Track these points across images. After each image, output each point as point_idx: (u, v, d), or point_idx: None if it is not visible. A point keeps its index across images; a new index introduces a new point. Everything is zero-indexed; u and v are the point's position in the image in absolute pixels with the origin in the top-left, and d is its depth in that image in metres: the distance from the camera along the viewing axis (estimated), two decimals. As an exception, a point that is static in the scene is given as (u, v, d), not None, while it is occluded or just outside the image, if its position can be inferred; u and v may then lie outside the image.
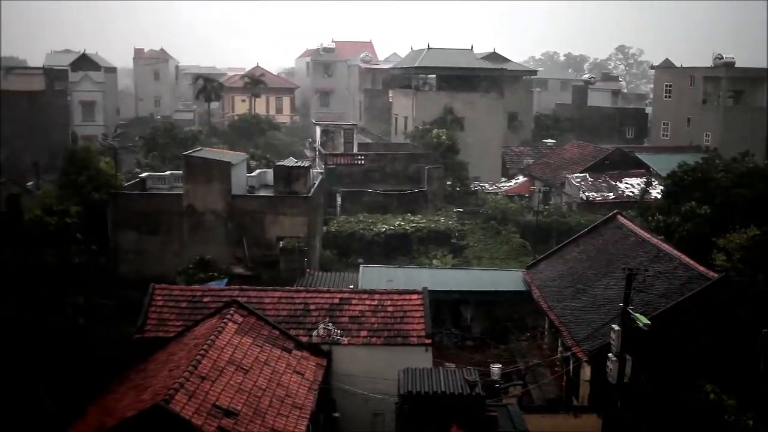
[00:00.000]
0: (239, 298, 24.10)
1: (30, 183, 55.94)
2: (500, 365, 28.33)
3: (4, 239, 25.31)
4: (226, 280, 33.30)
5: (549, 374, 29.18)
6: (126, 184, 43.50)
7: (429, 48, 73.98)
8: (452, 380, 20.26)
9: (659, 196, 44.85)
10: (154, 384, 19.29)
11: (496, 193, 58.92)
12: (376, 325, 24.29)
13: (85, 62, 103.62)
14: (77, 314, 24.90)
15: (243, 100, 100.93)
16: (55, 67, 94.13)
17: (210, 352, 19.89)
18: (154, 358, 22.56)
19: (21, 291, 24.47)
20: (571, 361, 26.99)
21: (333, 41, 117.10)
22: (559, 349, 29.49)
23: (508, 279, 35.92)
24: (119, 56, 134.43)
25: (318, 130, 65.55)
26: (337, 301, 25.22)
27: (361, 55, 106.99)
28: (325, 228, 45.90)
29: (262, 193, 41.74)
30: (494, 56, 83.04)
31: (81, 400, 22.86)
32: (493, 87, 71.07)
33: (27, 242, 25.48)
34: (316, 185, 42.47)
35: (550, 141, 75.61)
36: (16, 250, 24.88)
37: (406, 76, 76.29)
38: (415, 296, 25.48)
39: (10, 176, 56.42)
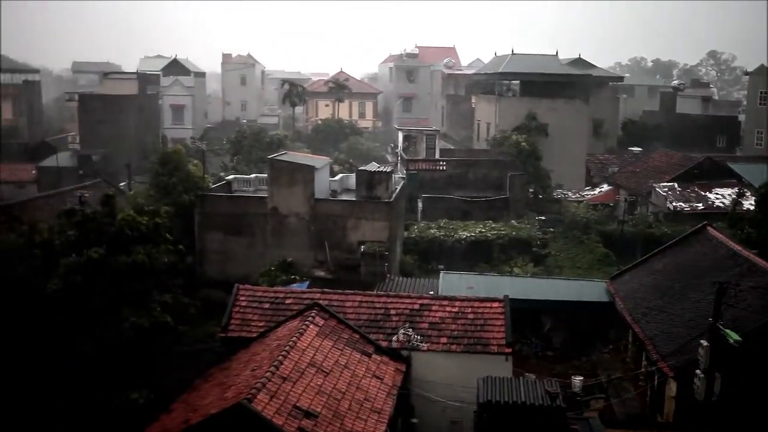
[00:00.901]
0: (321, 301, 24.40)
1: (122, 183, 57.95)
2: (582, 377, 27.78)
3: (100, 237, 26.28)
4: (307, 283, 33.72)
5: (632, 389, 28.45)
6: (212, 186, 44.61)
7: (513, 53, 73.37)
8: (532, 391, 20.01)
9: (752, 208, 43.20)
10: (237, 383, 19.70)
11: (580, 202, 57.93)
12: (456, 332, 24.17)
13: (176, 67, 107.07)
14: (165, 312, 25.63)
15: (327, 105, 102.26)
16: (147, 72, 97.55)
17: (292, 353, 20.18)
18: (237, 357, 23.04)
19: (114, 288, 25.35)
20: (656, 377, 26.23)
21: (416, 46, 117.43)
22: (644, 363, 28.69)
23: (590, 289, 35.17)
24: (208, 61, 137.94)
25: (400, 135, 65.76)
26: (417, 306, 25.22)
27: (444, 61, 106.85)
28: (405, 233, 45.99)
29: (344, 197, 42.13)
30: (579, 62, 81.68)
31: (168, 395, 23.64)
32: (578, 93, 69.92)
33: (120, 241, 26.37)
34: (397, 190, 42.61)
35: (636, 149, 73.79)
36: (110, 248, 25.79)
37: (490, 82, 75.82)
38: (496, 304, 25.25)
39: (105, 176, 58.66)
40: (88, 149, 76.92)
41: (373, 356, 22.66)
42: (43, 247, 26.47)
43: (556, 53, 74.41)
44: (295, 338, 21.04)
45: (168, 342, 26.75)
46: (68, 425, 24.15)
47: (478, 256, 44.11)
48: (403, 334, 24.05)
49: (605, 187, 64.47)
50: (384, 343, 23.62)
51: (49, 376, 25.51)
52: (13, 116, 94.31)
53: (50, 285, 24.71)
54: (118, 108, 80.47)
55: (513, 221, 49.71)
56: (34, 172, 69.66)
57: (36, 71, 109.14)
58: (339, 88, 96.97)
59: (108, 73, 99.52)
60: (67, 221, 28.05)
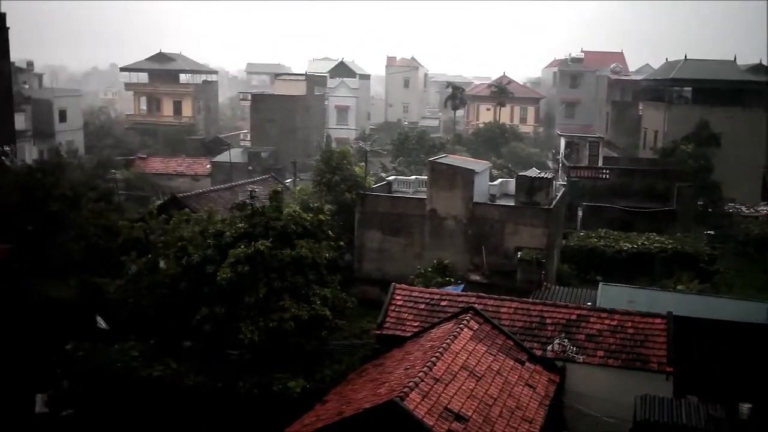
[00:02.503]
0: (476, 305, 24.37)
1: (288, 180, 60.44)
2: (750, 404, 26.09)
3: (266, 231, 27.54)
4: (462, 286, 33.77)
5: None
6: (373, 186, 45.61)
7: (686, 59, 70.06)
8: (694, 414, 19.09)
9: None
10: (390, 380, 20.04)
11: (756, 217, 54.36)
12: (614, 346, 23.41)
13: (342, 69, 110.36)
14: (324, 306, 26.49)
15: (488, 109, 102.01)
16: (315, 74, 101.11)
17: (445, 355, 20.31)
18: (391, 354, 23.44)
19: (277, 279, 26.48)
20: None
21: (582, 51, 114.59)
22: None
23: (764, 312, 32.93)
24: (373, 64, 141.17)
25: (562, 141, 64.48)
26: (574, 317, 24.64)
27: (611, 66, 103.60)
28: (564, 241, 45.02)
29: (503, 202, 41.81)
30: (761, 68, 76.69)
31: (323, 387, 24.45)
32: (758, 102, 65.63)
33: (285, 235, 27.51)
34: (558, 197, 41.80)
35: (823, 163, 68.32)
36: (275, 242, 26.95)
37: (659, 88, 72.71)
38: (658, 320, 24.22)
39: (272, 172, 61.44)
40: (258, 146, 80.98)
41: (526, 364, 22.40)
42: (214, 238, 28.05)
43: (734, 59, 70.29)
44: (449, 340, 21.17)
45: (325, 335, 27.62)
46: (228, 408, 25.47)
47: (639, 269, 42.31)
48: (559, 344, 23.60)
49: (784, 203, 60.21)
50: (538, 352, 23.28)
51: (213, 361, 27.02)
52: (192, 114, 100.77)
53: (220, 274, 26.13)
54: (287, 107, 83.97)
55: (678, 234, 47.44)
56: (208, 166, 74.23)
57: (214, 72, 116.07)
58: (501, 92, 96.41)
59: (279, 74, 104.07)
60: (239, 214, 29.62)
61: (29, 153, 72.92)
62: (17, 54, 50.42)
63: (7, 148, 31.19)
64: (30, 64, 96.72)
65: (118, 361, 27.28)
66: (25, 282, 33.28)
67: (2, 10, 43.53)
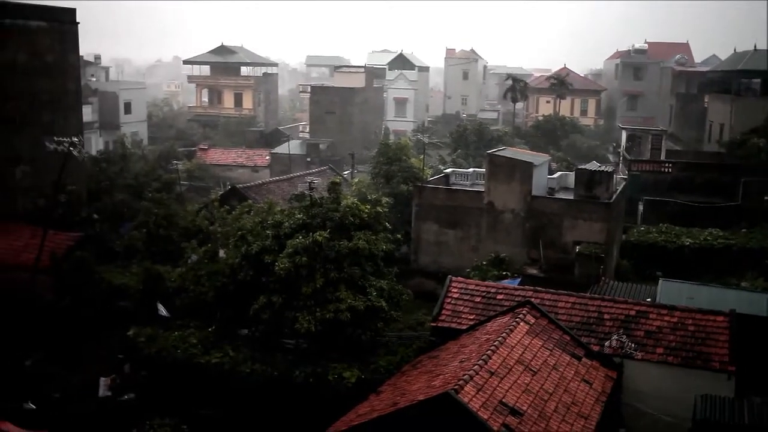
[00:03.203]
0: (533, 299, 24.21)
1: (346, 171, 60.80)
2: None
3: (324, 222, 27.75)
4: (518, 280, 33.54)
5: None
6: (430, 179, 45.57)
7: (755, 50, 68.01)
8: (758, 414, 18.62)
9: None
10: (445, 372, 20.06)
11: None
12: (674, 344, 22.96)
13: (401, 62, 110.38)
14: (380, 298, 26.59)
15: (547, 102, 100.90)
16: (374, 66, 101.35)
17: (500, 349, 20.24)
18: (446, 347, 23.45)
19: (335, 270, 26.67)
20: None
21: (646, 42, 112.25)
22: None
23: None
24: (432, 56, 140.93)
25: (624, 134, 63.33)
26: (633, 313, 24.24)
27: (676, 57, 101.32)
28: (624, 236, 44.28)
29: (562, 195, 41.33)
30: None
31: (378, 378, 24.58)
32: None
33: (343, 226, 27.69)
34: (618, 191, 41.11)
35: None
36: (333, 233, 27.13)
37: (726, 80, 70.76)
38: (720, 318, 23.67)
39: (330, 164, 61.91)
40: (316, 138, 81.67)
41: (583, 360, 22.15)
42: (273, 228, 28.39)
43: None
44: (504, 334, 21.08)
45: (380, 326, 27.73)
46: (283, 397, 25.82)
47: (701, 266, 41.35)
48: (617, 340, 23.25)
49: None
50: (595, 348, 23.00)
51: (269, 350, 27.39)
52: (252, 106, 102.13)
53: (279, 264, 26.42)
54: (346, 99, 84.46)
55: (744, 231, 46.15)
56: (267, 157, 75.21)
57: (274, 64, 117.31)
58: (561, 84, 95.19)
59: (338, 66, 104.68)
60: (297, 205, 29.83)
61: (95, 144, 75.04)
62: (85, 48, 51.79)
63: (76, 140, 32.05)
64: (97, 57, 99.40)
65: (178, 347, 27.87)
66: (92, 268, 34.25)
67: (72, 6, 44.79)
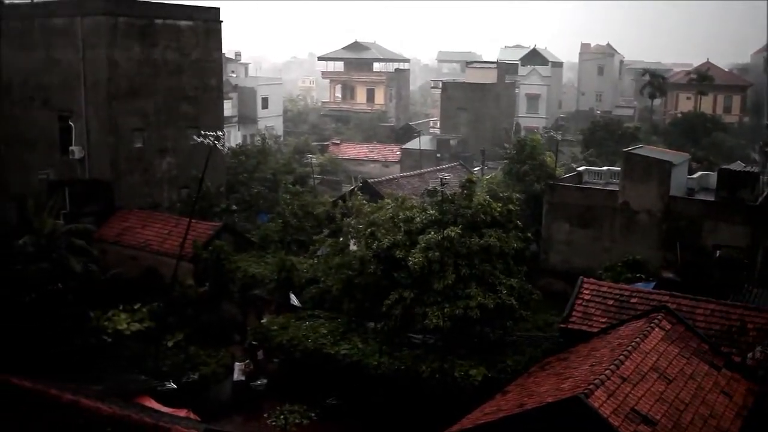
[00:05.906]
0: (669, 305, 23.31)
1: (476, 168, 60.54)
2: None
3: (456, 218, 27.73)
4: (653, 284, 32.35)
5: None
6: (563, 177, 44.67)
7: None
8: None
9: None
10: (575, 375, 19.66)
11: None
12: (824, 358, 21.57)
13: (534, 57, 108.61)
14: (510, 296, 26.30)
15: (688, 98, 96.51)
16: (507, 62, 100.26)
17: (634, 354, 19.61)
18: (576, 349, 22.96)
19: (465, 267, 26.61)
20: None
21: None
22: None
23: None
24: (566, 51, 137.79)
25: (772, 133, 59.73)
26: (779, 323, 22.93)
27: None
28: (770, 241, 41.83)
29: (702, 197, 39.51)
30: None
31: (504, 377, 24.42)
32: None
33: (474, 223, 27.55)
34: (765, 194, 38.87)
35: None
36: (464, 229, 27.04)
37: None
38: None
39: (461, 160, 61.81)
40: (447, 134, 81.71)
41: (722, 371, 21.11)
42: (405, 223, 28.59)
43: None
44: (638, 339, 20.41)
45: (510, 325, 27.48)
46: (409, 391, 26.07)
47: None
48: (761, 351, 22.00)
49: None
50: (736, 359, 21.87)
51: (397, 344, 27.71)
52: (384, 101, 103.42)
53: (413, 258, 26.52)
54: (477, 95, 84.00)
55: None
56: (398, 152, 75.98)
57: (406, 60, 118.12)
58: (702, 79, 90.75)
59: (470, 62, 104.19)
60: (429, 200, 29.93)
61: (234, 137, 78.18)
62: (227, 45, 54.09)
63: (220, 133, 33.57)
64: (238, 54, 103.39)
65: (309, 337, 28.67)
66: (229, 257, 35.76)
67: (216, 6, 46.93)
